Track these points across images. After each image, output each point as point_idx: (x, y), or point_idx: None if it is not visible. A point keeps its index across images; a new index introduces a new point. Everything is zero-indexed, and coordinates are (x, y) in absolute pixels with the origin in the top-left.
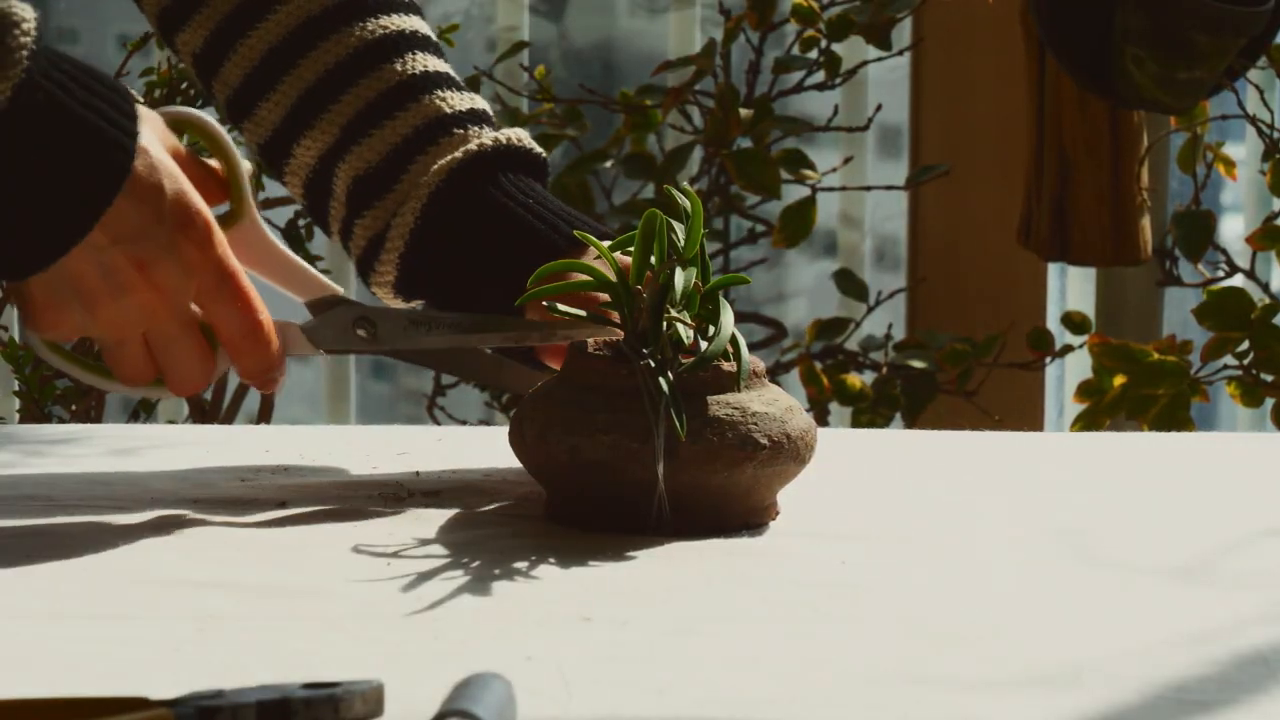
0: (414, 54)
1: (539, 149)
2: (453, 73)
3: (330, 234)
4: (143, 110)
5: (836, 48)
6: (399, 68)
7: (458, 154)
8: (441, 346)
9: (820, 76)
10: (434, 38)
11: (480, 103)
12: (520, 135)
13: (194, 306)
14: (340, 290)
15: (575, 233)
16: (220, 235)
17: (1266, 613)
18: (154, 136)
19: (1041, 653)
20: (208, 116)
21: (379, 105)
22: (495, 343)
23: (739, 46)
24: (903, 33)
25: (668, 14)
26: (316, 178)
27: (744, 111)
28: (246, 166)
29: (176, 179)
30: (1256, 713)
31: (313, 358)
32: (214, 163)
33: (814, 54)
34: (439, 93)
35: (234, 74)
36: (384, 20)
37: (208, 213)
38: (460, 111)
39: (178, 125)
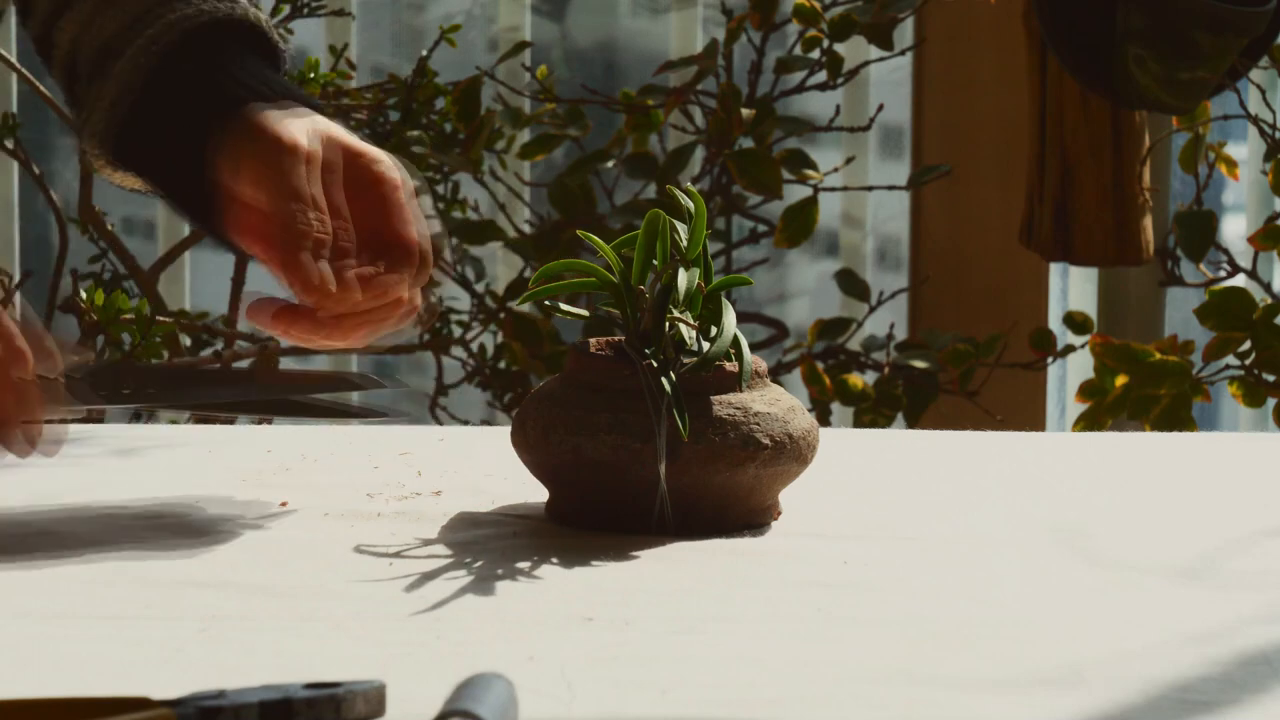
0: None
1: (267, 26)
2: None
3: (74, 121)
4: None
5: (838, 48)
6: None
7: (185, 12)
8: (200, 405)
9: (822, 76)
10: None
11: None
12: (254, 14)
13: None
14: (89, 355)
15: (579, 232)
16: None
17: (1269, 613)
18: None
19: (1043, 653)
20: None
21: None
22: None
23: (741, 46)
24: (905, 33)
25: (669, 14)
26: (70, 60)
27: (746, 111)
28: None
29: None
30: (1259, 713)
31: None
32: None
33: (816, 54)
34: None
35: None
36: None
37: None
38: None
39: None
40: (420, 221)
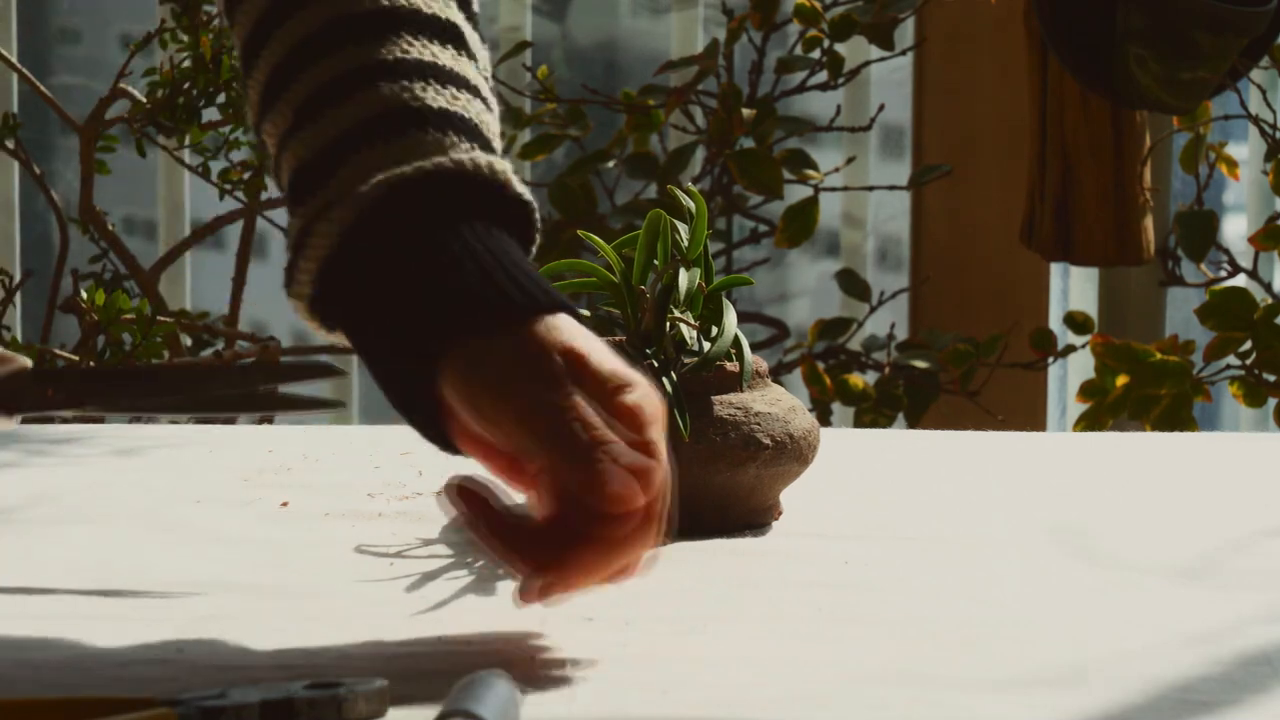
0: (406, 37)
1: (522, 191)
2: (463, 71)
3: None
4: None
5: (839, 48)
6: (377, 50)
7: (406, 169)
8: (140, 409)
9: (823, 76)
10: (461, 27)
11: (478, 112)
12: (502, 168)
13: None
14: (25, 361)
15: (579, 232)
16: None
17: (1270, 613)
18: None
19: (1044, 653)
20: None
21: (332, 88)
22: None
23: (742, 46)
24: (905, 32)
25: (670, 14)
26: (277, 166)
27: (746, 111)
28: None
29: None
30: (1260, 713)
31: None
32: None
33: (817, 54)
34: (414, 83)
35: (237, 41)
36: None
37: None
38: (435, 109)
39: None
40: (667, 464)
